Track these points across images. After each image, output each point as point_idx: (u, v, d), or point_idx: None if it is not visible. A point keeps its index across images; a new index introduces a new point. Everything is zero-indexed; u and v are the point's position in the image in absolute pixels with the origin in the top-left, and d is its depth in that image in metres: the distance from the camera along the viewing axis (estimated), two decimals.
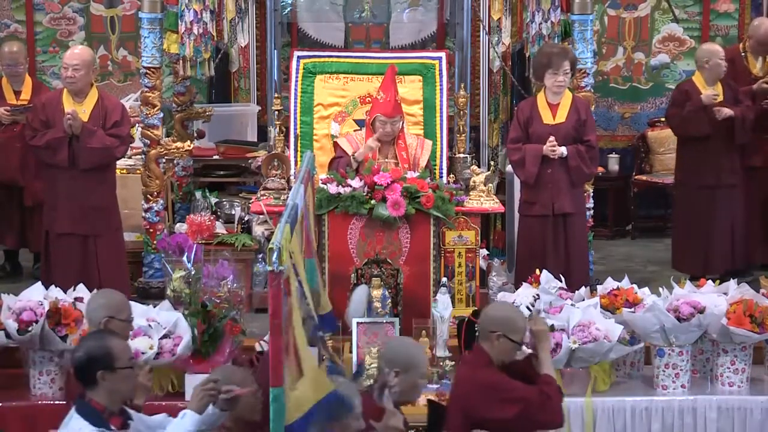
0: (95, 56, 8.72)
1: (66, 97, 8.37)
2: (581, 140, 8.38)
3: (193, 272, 7.42)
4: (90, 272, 8.23)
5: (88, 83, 8.36)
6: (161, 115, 8.89)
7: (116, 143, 8.32)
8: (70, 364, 5.19)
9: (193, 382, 6.48)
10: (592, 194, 8.94)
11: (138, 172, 9.12)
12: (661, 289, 7.31)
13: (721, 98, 9.21)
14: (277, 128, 8.51)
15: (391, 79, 8.07)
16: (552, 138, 8.26)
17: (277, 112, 8.55)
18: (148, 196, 8.82)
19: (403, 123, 8.13)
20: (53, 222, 8.35)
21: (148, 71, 8.77)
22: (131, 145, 8.92)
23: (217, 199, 9.38)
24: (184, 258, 7.50)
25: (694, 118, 9.22)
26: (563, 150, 8.29)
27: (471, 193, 8.11)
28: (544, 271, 7.62)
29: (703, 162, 9.30)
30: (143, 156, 8.92)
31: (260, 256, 8.58)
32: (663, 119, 11.28)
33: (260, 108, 10.74)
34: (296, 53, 8.65)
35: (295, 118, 8.50)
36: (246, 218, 8.90)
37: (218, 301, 7.22)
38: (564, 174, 8.34)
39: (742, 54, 9.79)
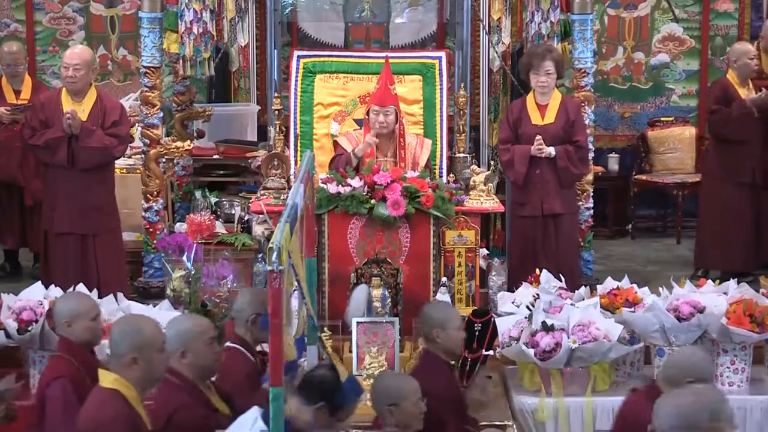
0: (95, 56, 8.72)
1: (65, 96, 8.37)
2: (570, 141, 8.39)
3: (192, 272, 7.43)
4: (89, 272, 8.22)
5: (88, 83, 8.36)
6: (161, 114, 8.88)
7: (115, 143, 8.31)
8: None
9: None
10: (591, 194, 8.93)
11: (138, 171, 9.12)
12: (660, 289, 7.31)
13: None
14: (277, 128, 8.50)
15: (385, 71, 8.09)
16: (539, 137, 8.28)
17: (276, 112, 8.54)
18: (148, 195, 8.81)
19: (401, 121, 8.13)
20: (52, 222, 8.35)
21: (147, 71, 8.77)
22: (131, 144, 8.92)
23: (216, 199, 9.38)
24: (184, 257, 7.51)
25: (740, 120, 9.23)
26: (551, 150, 8.30)
27: (471, 193, 8.11)
28: (544, 271, 7.63)
29: (741, 161, 9.31)
30: (143, 155, 8.91)
31: (260, 255, 8.57)
32: (663, 119, 11.31)
33: (260, 107, 10.73)
34: (296, 53, 8.65)
35: (295, 118, 8.50)
36: (246, 218, 8.89)
37: (218, 300, 7.24)
38: (553, 175, 8.35)
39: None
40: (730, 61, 9.47)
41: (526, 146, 8.34)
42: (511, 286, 8.05)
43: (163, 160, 9.10)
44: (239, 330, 6.16)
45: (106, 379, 4.96)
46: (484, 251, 8.63)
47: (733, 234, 9.39)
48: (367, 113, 8.08)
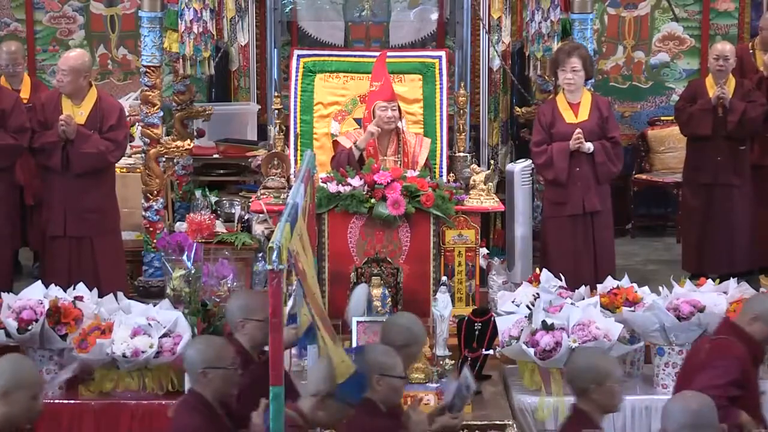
0: (90, 61, 8.69)
1: (64, 98, 8.36)
2: (606, 137, 8.39)
3: (192, 271, 7.42)
4: (86, 272, 8.21)
5: (80, 87, 8.32)
6: (161, 113, 8.88)
7: (111, 148, 8.30)
8: None
9: None
10: None
11: (138, 170, 9.12)
12: (660, 288, 7.31)
13: (729, 95, 9.22)
14: (277, 127, 8.50)
15: (382, 66, 8.08)
16: (579, 130, 8.25)
17: (277, 111, 8.54)
18: (148, 194, 8.81)
19: (402, 121, 8.13)
20: (49, 224, 8.35)
21: (148, 70, 8.77)
22: (132, 143, 8.92)
23: (217, 198, 9.37)
24: (184, 257, 7.50)
25: (698, 116, 9.26)
26: (590, 145, 8.29)
27: (471, 192, 8.11)
28: (544, 270, 7.62)
29: (703, 160, 9.34)
30: (143, 155, 8.92)
31: (260, 255, 8.57)
32: (663, 118, 11.31)
33: (260, 107, 10.73)
34: (296, 52, 8.66)
35: (295, 117, 8.51)
36: (246, 217, 8.89)
37: (218, 300, 7.24)
38: (591, 171, 8.34)
39: (751, 51, 9.84)
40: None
41: (563, 143, 8.31)
42: None
43: (163, 159, 9.10)
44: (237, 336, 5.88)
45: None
46: (484, 250, 8.62)
47: (702, 237, 9.38)
48: (372, 111, 8.05)
